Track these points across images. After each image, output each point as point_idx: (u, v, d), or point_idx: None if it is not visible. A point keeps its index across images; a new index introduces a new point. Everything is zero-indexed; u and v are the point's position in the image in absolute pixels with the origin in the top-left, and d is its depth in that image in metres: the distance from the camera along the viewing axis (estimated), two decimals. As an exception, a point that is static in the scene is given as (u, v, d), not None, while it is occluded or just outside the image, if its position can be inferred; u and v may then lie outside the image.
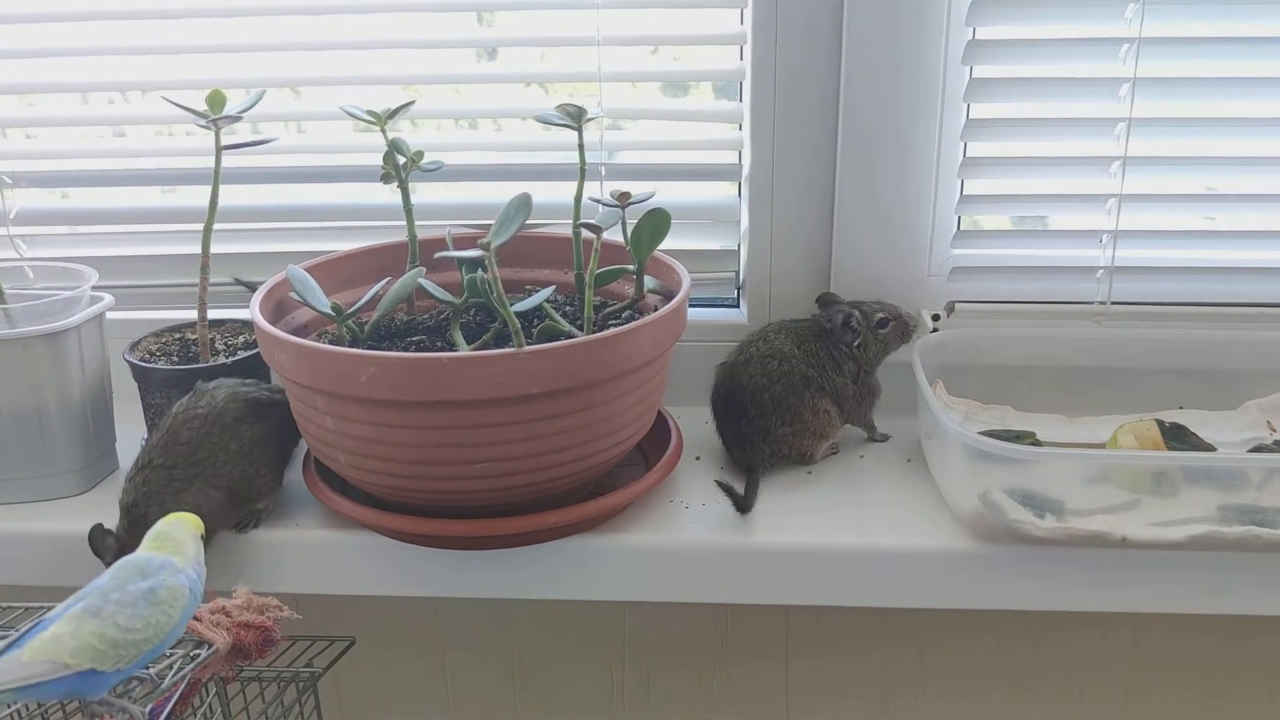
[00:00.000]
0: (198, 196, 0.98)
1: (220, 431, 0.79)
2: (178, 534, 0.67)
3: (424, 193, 0.99)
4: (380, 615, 0.99)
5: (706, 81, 1.02)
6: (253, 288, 0.84)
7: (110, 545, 0.76)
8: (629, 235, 0.81)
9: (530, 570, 0.81)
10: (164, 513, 0.70)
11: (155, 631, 0.61)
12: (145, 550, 0.66)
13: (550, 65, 0.99)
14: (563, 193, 0.92)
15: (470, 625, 1.00)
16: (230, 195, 0.94)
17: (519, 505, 0.77)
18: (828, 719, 1.02)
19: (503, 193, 1.00)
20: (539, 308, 0.80)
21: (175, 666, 0.64)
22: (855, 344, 0.86)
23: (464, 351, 0.74)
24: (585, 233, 0.87)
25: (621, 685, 1.02)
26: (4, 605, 0.71)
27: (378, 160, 0.87)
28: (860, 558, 0.79)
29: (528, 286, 0.92)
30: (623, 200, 0.82)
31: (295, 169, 1.01)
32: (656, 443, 0.87)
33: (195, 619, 0.67)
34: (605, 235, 0.91)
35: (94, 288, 0.88)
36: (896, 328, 0.88)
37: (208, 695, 0.73)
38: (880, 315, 0.88)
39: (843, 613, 0.97)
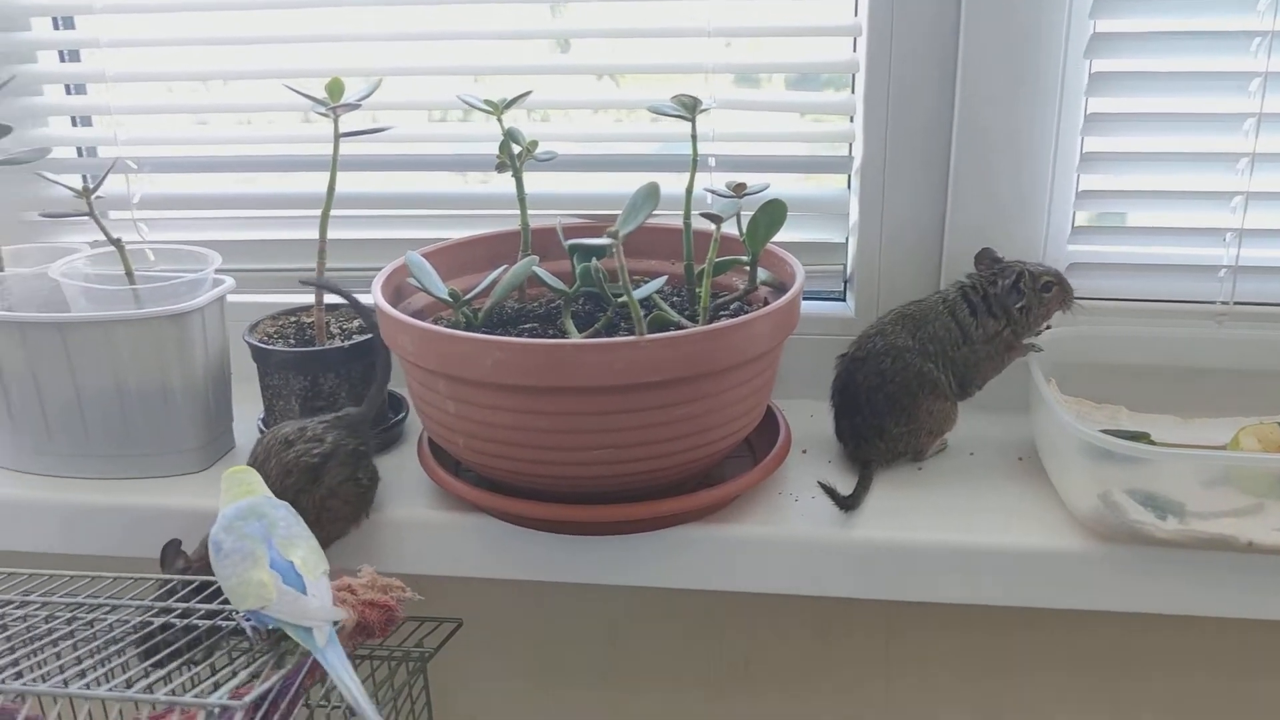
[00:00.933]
0: (314, 183, 1.00)
1: (310, 482, 0.79)
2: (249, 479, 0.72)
3: (530, 182, 1.00)
4: (479, 596, 1.00)
5: (810, 74, 1.01)
6: (330, 287, 0.85)
7: (178, 566, 0.77)
8: (744, 226, 0.81)
9: (640, 557, 0.81)
10: None
11: None
12: (256, 495, 0.70)
13: (660, 56, 0.99)
14: (667, 183, 0.92)
15: (569, 608, 1.01)
16: (345, 182, 0.96)
17: (630, 493, 0.78)
18: (927, 700, 1.01)
19: (607, 184, 1.03)
20: (646, 298, 0.80)
21: (299, 645, 0.66)
22: (1018, 305, 0.84)
23: (587, 339, 0.75)
24: (693, 224, 0.87)
25: (721, 671, 1.02)
26: (136, 576, 0.74)
27: (488, 149, 0.88)
28: (973, 555, 0.78)
29: (634, 277, 0.93)
30: (738, 191, 0.82)
31: (407, 157, 1.02)
32: (762, 435, 0.87)
33: (320, 596, 0.69)
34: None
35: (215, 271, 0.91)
36: (1059, 293, 0.85)
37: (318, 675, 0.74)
38: (1046, 279, 0.84)
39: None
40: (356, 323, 0.94)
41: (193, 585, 0.72)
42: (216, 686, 0.60)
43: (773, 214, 0.79)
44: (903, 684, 1.00)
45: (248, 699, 0.57)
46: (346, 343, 0.90)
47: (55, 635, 0.68)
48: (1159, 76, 0.87)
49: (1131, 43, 0.87)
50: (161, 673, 0.64)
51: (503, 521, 0.82)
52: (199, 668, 0.65)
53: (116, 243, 0.87)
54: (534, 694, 1.05)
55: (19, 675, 0.62)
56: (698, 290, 0.89)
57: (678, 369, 0.71)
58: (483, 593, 1.00)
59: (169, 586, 0.73)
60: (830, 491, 0.80)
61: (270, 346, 0.89)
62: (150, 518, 0.85)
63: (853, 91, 0.97)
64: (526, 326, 0.85)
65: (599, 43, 1.00)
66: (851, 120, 0.96)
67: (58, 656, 0.66)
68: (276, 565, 0.64)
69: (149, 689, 0.59)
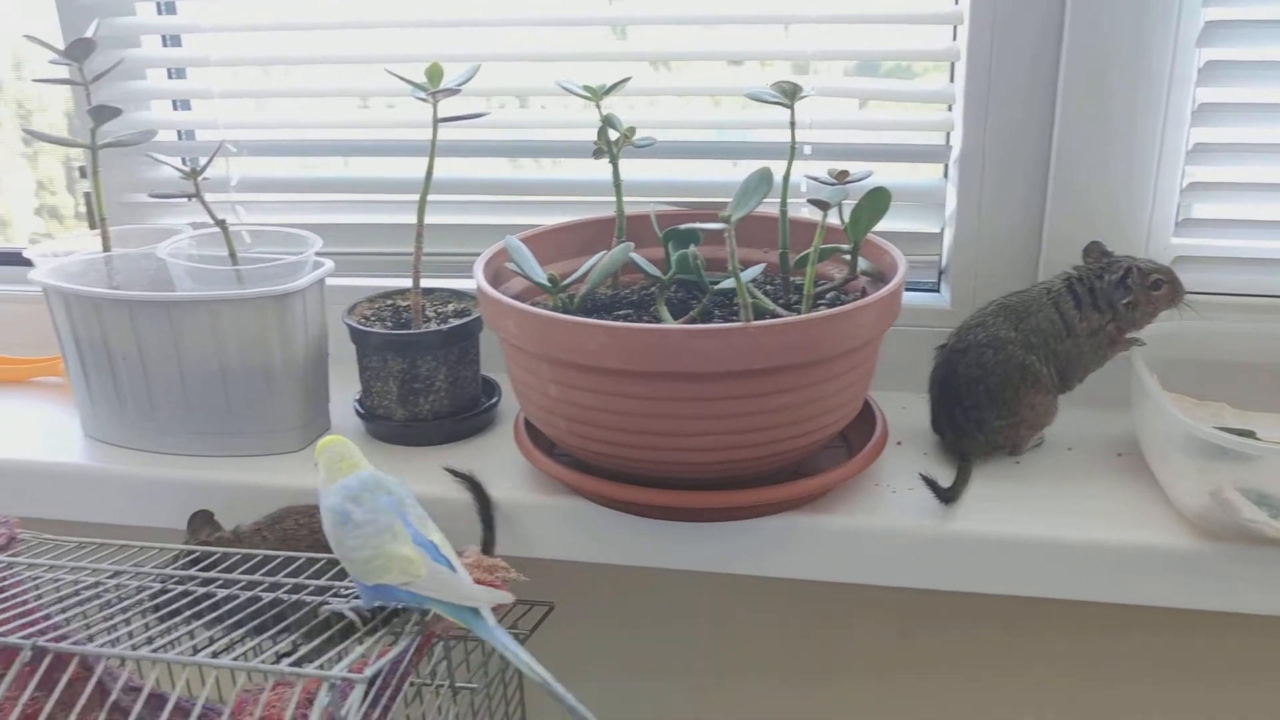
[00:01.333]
0: (410, 167, 1.01)
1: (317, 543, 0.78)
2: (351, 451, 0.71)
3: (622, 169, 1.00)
4: (565, 580, 1.01)
5: (914, 61, 1.00)
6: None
7: (205, 536, 0.79)
8: (847, 214, 0.81)
9: (735, 545, 0.81)
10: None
11: None
12: (360, 470, 0.69)
13: (758, 43, 0.99)
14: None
15: (656, 594, 1.01)
16: (440, 167, 0.96)
17: (727, 480, 0.78)
18: (1014, 696, 1.00)
19: (698, 171, 1.03)
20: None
21: (413, 620, 0.67)
22: (1125, 301, 0.82)
23: (694, 325, 0.75)
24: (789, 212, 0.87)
25: (804, 661, 1.01)
26: (243, 552, 0.75)
27: (583, 135, 0.89)
28: (1079, 550, 0.77)
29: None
30: (841, 178, 0.81)
31: (503, 143, 1.03)
32: (854, 427, 0.87)
33: (430, 574, 0.70)
34: (803, 214, 0.92)
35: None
36: (1169, 291, 0.83)
37: (433, 654, 0.75)
38: (1156, 276, 0.82)
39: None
40: (451, 306, 0.95)
41: (213, 557, 0.74)
42: (340, 658, 0.60)
43: (877, 202, 0.78)
44: (988, 680, 0.99)
45: (368, 672, 0.58)
46: (444, 326, 0.90)
47: (154, 604, 0.70)
48: (1272, 66, 0.85)
49: (1246, 31, 0.85)
50: (249, 644, 0.65)
51: (598, 505, 0.82)
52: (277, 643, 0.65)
53: (221, 224, 0.88)
54: (619, 681, 1.05)
55: (115, 643, 0.64)
56: (792, 279, 0.89)
57: (784, 356, 0.71)
58: (569, 576, 1.01)
59: (192, 556, 0.75)
60: (932, 484, 0.80)
61: (369, 329, 0.90)
62: (250, 495, 0.87)
63: (951, 80, 0.96)
64: (620, 313, 0.85)
65: (696, 29, 1.00)
66: (950, 109, 0.95)
67: (146, 627, 0.68)
68: (419, 542, 0.64)
69: (275, 660, 0.60)
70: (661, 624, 1.02)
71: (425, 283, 0.95)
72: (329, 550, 0.74)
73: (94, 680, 0.71)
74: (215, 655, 0.60)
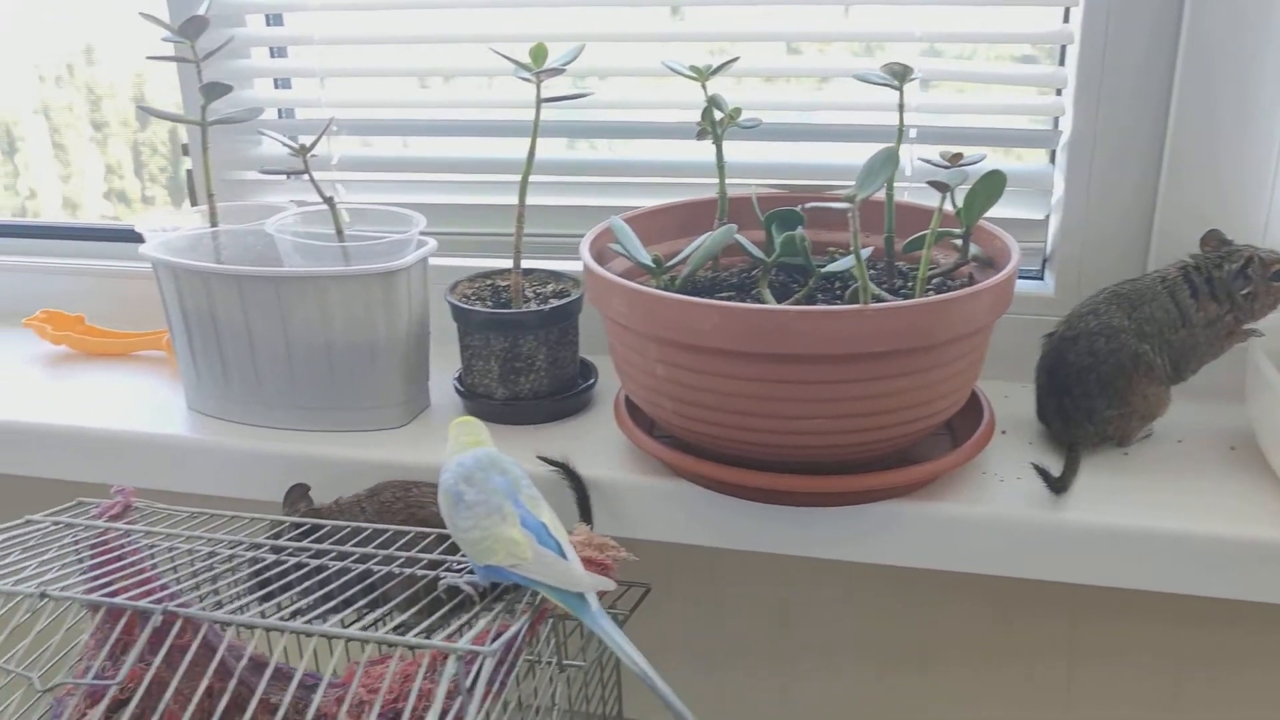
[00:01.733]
0: (509, 148, 1.02)
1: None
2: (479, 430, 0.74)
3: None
4: (660, 561, 1.01)
5: (1024, 43, 0.98)
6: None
7: (299, 508, 0.81)
8: (961, 198, 0.80)
9: (839, 531, 0.81)
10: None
11: None
12: (482, 446, 0.71)
13: (861, 24, 0.98)
14: (863, 154, 0.90)
15: (749, 578, 1.01)
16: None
17: (832, 465, 0.77)
18: (1111, 691, 0.99)
19: (794, 154, 1.02)
20: (845, 271, 0.79)
21: (526, 597, 0.67)
22: (1244, 291, 0.80)
23: (809, 306, 0.74)
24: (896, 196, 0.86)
25: (897, 643, 1.00)
26: (351, 525, 0.76)
27: (682, 116, 0.88)
28: (1193, 543, 0.75)
29: (830, 249, 0.92)
30: (954, 161, 0.80)
31: (602, 124, 1.03)
32: (957, 414, 0.85)
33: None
34: (907, 199, 0.90)
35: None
36: None
37: (544, 630, 0.75)
38: (1278, 266, 0.80)
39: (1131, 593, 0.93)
40: (550, 287, 0.95)
41: (303, 528, 0.76)
42: (462, 632, 0.61)
43: (992, 186, 0.77)
44: (1086, 673, 0.98)
45: (495, 645, 0.58)
46: (545, 306, 0.91)
47: (261, 574, 0.72)
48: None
49: (1375, 14, 0.82)
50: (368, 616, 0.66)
51: (698, 487, 0.82)
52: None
53: (329, 201, 0.89)
54: (710, 664, 1.05)
55: (240, 611, 0.65)
56: (897, 264, 0.88)
57: (900, 340, 0.70)
58: (664, 557, 1.01)
59: (302, 528, 0.76)
60: (1043, 473, 0.78)
61: (471, 307, 0.90)
62: (351, 470, 0.88)
63: (1061, 64, 0.94)
64: (722, 296, 0.85)
65: (802, 8, 0.99)
66: (1059, 93, 0.93)
67: (262, 598, 0.69)
68: (528, 524, 0.65)
69: (401, 631, 0.61)
70: (749, 608, 1.02)
71: (529, 263, 0.96)
72: (424, 523, 0.75)
73: (197, 642, 0.73)
74: (344, 626, 0.61)
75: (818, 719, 1.05)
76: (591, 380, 0.95)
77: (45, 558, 0.76)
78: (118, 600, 0.65)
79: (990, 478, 0.82)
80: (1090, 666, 0.98)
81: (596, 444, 0.88)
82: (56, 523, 0.80)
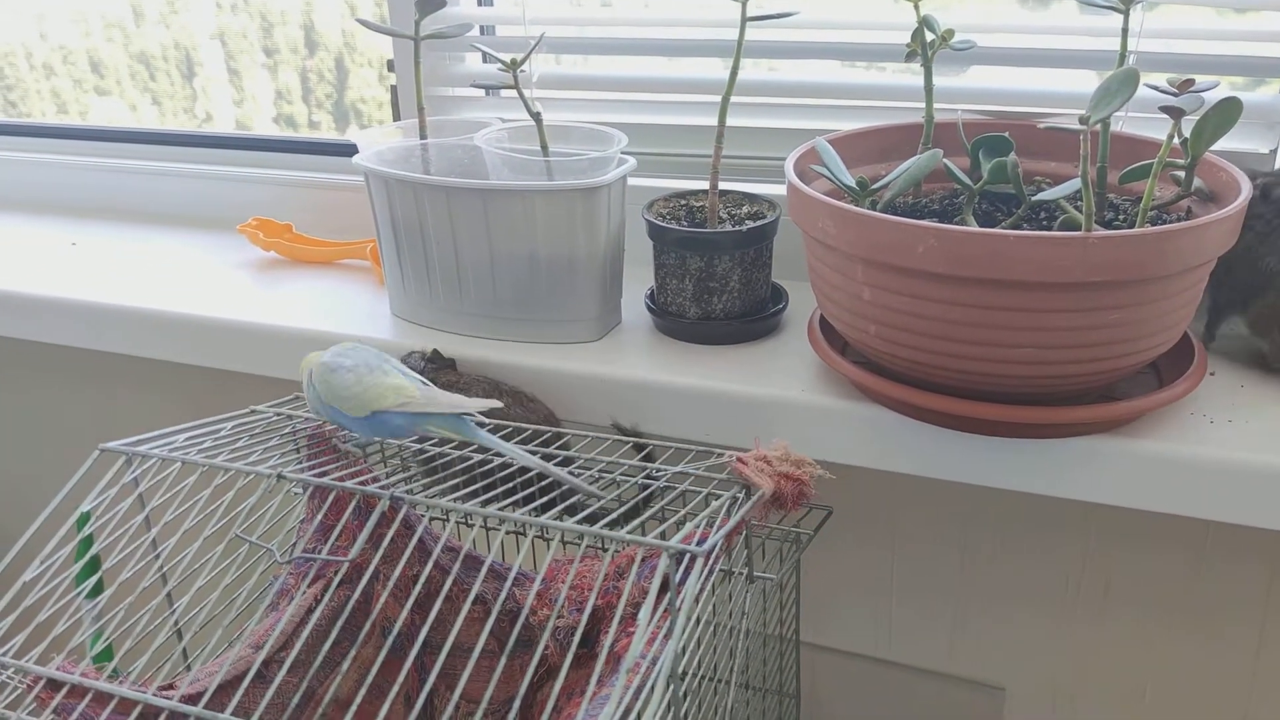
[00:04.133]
0: (708, 68, 1.01)
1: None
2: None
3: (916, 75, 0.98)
4: (834, 485, 1.01)
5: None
6: None
7: (423, 367, 0.90)
8: (1189, 129, 0.76)
9: (1038, 464, 0.80)
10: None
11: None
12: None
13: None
14: (1073, 82, 0.87)
15: (932, 508, 1.00)
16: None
17: (1034, 396, 0.76)
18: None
19: (1003, 80, 0.99)
20: (1051, 201, 0.77)
21: (725, 507, 0.69)
22: None
23: (1030, 232, 0.72)
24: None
25: (1078, 587, 0.99)
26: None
27: (888, 38, 0.86)
28: None
29: (1036, 178, 0.90)
30: (1184, 88, 0.77)
31: (809, 44, 1.02)
32: (1164, 354, 0.83)
33: (741, 463, 0.72)
34: (1121, 129, 0.87)
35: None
36: None
37: (736, 541, 0.77)
38: None
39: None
40: (745, 209, 0.95)
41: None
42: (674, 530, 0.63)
43: (1225, 114, 0.73)
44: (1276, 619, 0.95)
45: (706, 545, 0.60)
46: (738, 227, 0.91)
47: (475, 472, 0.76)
48: None
49: None
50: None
51: (891, 412, 0.82)
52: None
53: (536, 117, 0.91)
54: (882, 591, 1.06)
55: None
56: (1109, 196, 0.85)
57: (1121, 271, 0.68)
58: (841, 483, 1.02)
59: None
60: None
61: (668, 225, 0.92)
62: (548, 380, 0.91)
63: (1300, -13, 0.88)
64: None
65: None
66: (1295, 19, 0.88)
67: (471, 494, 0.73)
68: (405, 375, 0.75)
69: (612, 527, 0.63)
70: (930, 540, 1.02)
71: (726, 184, 0.96)
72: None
73: (415, 538, 0.77)
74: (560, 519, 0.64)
75: (988, 658, 1.04)
76: (782, 304, 0.95)
77: (269, 445, 0.82)
78: (347, 485, 0.70)
79: (1198, 418, 0.79)
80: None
81: (786, 366, 0.89)
82: (279, 413, 0.86)
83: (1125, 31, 0.81)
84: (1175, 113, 0.71)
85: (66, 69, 1.60)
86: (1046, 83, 0.98)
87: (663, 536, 0.64)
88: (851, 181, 0.82)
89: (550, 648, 0.71)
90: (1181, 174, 0.79)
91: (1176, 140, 0.75)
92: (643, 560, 0.67)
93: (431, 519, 0.87)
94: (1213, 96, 0.75)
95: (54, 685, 0.61)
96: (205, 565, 0.74)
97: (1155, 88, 0.79)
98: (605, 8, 1.09)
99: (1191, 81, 0.77)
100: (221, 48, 1.53)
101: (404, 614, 0.72)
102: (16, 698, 0.64)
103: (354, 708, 0.59)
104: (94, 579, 0.75)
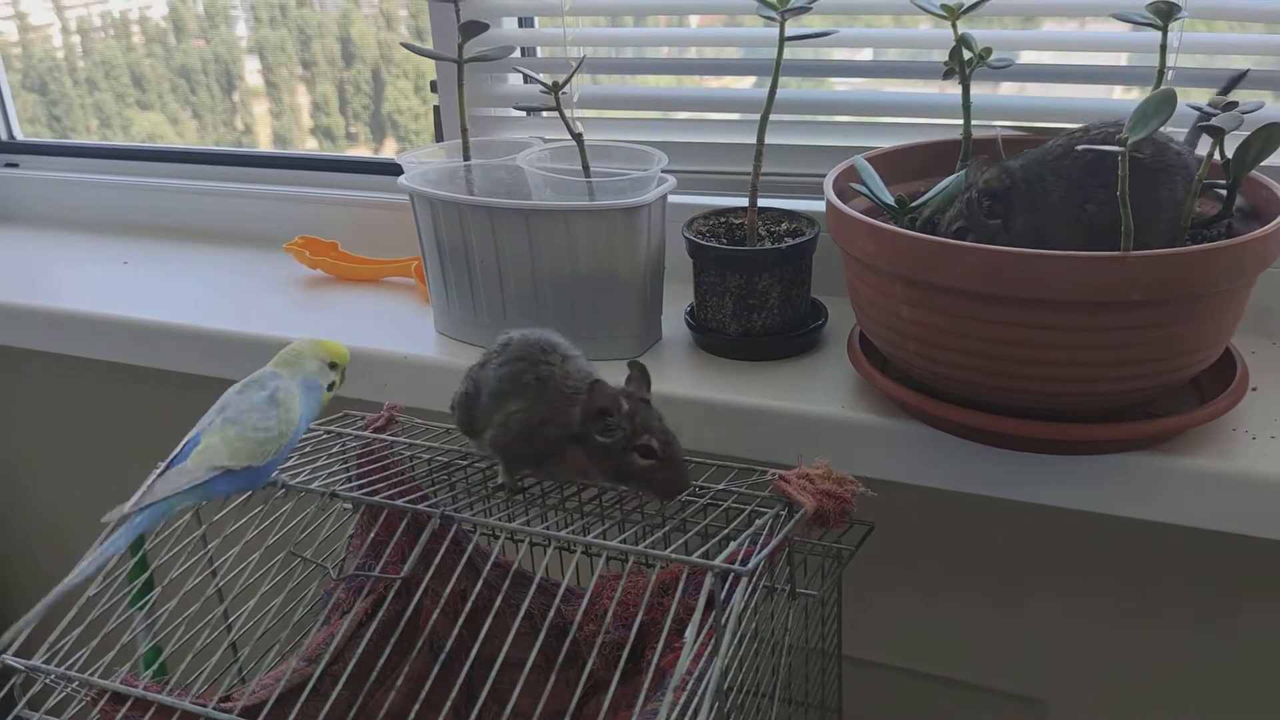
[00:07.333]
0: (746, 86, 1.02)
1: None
2: (300, 351, 0.81)
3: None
4: (882, 502, 1.02)
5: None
6: None
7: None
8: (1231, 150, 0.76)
9: (1080, 480, 0.80)
10: None
11: (286, 427, 0.75)
12: (267, 367, 0.79)
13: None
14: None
15: (967, 523, 1.01)
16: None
17: (1073, 413, 0.76)
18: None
19: (1043, 94, 0.99)
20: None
21: (769, 525, 0.70)
22: None
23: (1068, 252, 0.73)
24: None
25: (1119, 603, 0.99)
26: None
27: (926, 55, 0.87)
28: None
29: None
30: (1227, 109, 0.77)
31: (844, 63, 1.03)
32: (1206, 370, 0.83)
33: (784, 480, 0.73)
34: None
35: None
36: None
37: (779, 558, 0.78)
38: None
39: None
40: (784, 226, 0.96)
41: None
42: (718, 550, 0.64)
43: (1270, 137, 0.73)
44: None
45: (750, 565, 0.61)
46: (780, 245, 0.92)
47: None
48: None
49: None
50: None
51: (930, 428, 0.83)
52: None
53: (578, 138, 0.93)
54: (926, 605, 1.06)
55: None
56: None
57: (1161, 290, 0.69)
58: (887, 498, 1.02)
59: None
60: None
61: (708, 244, 0.93)
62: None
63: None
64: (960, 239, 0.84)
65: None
66: (1337, 33, 0.88)
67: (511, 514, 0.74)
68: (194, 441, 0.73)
69: (660, 544, 0.64)
70: (969, 554, 1.02)
71: (765, 201, 0.97)
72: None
73: (465, 556, 0.79)
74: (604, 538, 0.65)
75: (1029, 672, 1.04)
76: (822, 320, 0.96)
77: (318, 464, 0.84)
78: (398, 503, 0.71)
79: (1240, 434, 0.80)
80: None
81: (826, 382, 0.90)
82: (329, 431, 0.88)
83: (1164, 48, 0.81)
84: (1215, 132, 0.72)
85: (109, 84, 1.64)
86: (1086, 94, 0.99)
87: (707, 554, 0.66)
88: (890, 200, 0.83)
89: (598, 663, 0.72)
90: (1223, 192, 0.80)
91: (1217, 157, 0.76)
92: (688, 577, 0.68)
93: (480, 535, 0.89)
94: (1259, 117, 0.76)
95: (118, 699, 0.63)
96: (260, 580, 0.76)
97: (1197, 107, 0.79)
98: (644, 27, 1.10)
99: (1236, 103, 0.77)
100: (260, 60, 1.56)
101: (455, 631, 0.73)
102: (80, 710, 0.66)
103: (407, 722, 0.61)
104: (152, 595, 0.77)
